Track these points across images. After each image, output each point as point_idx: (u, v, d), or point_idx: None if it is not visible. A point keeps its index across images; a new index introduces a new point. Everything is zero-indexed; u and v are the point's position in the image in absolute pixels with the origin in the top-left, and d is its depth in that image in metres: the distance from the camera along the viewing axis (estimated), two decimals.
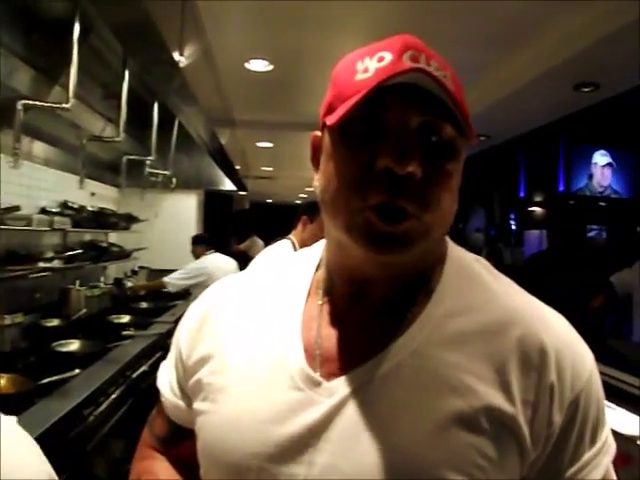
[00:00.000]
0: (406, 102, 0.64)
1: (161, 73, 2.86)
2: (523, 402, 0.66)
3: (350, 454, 0.65)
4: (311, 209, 2.96)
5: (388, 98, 0.64)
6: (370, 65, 0.66)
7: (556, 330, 0.72)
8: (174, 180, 5.20)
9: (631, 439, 1.87)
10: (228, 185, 7.32)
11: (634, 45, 3.17)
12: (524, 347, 0.68)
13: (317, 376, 0.70)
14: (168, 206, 6.53)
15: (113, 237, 5.37)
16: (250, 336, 0.78)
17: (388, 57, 0.65)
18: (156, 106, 3.92)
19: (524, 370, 0.67)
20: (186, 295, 5.27)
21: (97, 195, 4.99)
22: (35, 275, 3.10)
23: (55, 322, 3.63)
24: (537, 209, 10.93)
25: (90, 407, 2.29)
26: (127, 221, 5.27)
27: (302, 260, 0.86)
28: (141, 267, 5.89)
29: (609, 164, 10.43)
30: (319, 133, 0.76)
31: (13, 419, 0.74)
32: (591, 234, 10.36)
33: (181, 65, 2.70)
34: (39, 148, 3.74)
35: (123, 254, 5.05)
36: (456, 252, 0.79)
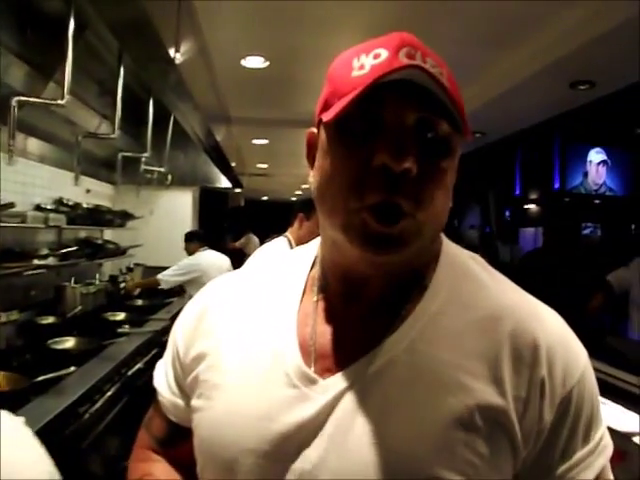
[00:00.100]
0: (402, 99, 0.64)
1: (157, 70, 2.85)
2: (515, 398, 0.66)
3: (341, 450, 0.65)
4: (307, 206, 2.96)
5: (384, 95, 0.64)
6: (366, 62, 0.66)
7: (549, 326, 0.72)
8: (169, 177, 5.21)
9: (628, 436, 1.88)
10: (224, 182, 7.31)
11: (630, 43, 3.17)
12: (516, 343, 0.69)
13: (312, 373, 0.70)
14: (163, 203, 6.52)
15: (108, 234, 5.36)
16: (246, 333, 0.78)
17: (384, 54, 0.65)
18: (151, 103, 3.92)
19: (516, 366, 0.68)
20: (181, 292, 5.27)
21: (92, 192, 4.97)
22: (30, 272, 3.09)
23: (50, 319, 3.63)
24: (532, 206, 10.95)
25: (85, 405, 2.29)
26: (122, 218, 5.25)
27: (298, 258, 0.86)
28: (136, 264, 5.88)
29: (604, 162, 10.45)
30: (315, 130, 0.76)
31: (19, 419, 0.73)
32: (586, 232, 10.39)
33: (177, 62, 2.69)
34: (34, 145, 3.73)
35: (118, 251, 5.04)
36: (451, 249, 0.80)
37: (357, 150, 0.66)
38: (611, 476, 0.72)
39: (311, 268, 0.83)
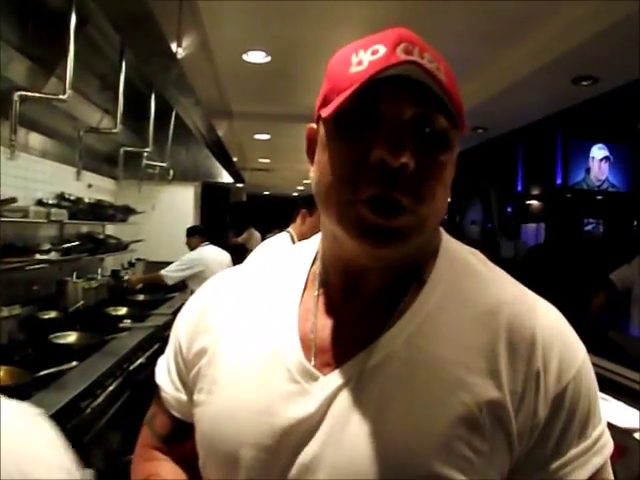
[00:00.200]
0: (400, 94, 0.65)
1: (158, 64, 2.85)
2: (511, 392, 0.66)
3: (338, 444, 0.66)
4: (310, 202, 2.95)
5: (382, 90, 0.64)
6: (364, 58, 0.66)
7: (547, 321, 0.71)
8: (171, 172, 5.20)
9: (628, 432, 1.88)
10: (225, 177, 7.31)
11: (632, 39, 3.16)
12: (513, 337, 0.69)
13: (313, 368, 0.71)
14: (165, 198, 6.52)
15: (110, 229, 5.36)
16: (247, 328, 0.78)
17: (382, 50, 0.65)
18: (153, 98, 3.92)
19: (513, 360, 0.68)
20: (183, 287, 5.27)
21: (94, 187, 4.98)
22: (32, 267, 3.09)
23: (52, 314, 3.63)
24: (534, 202, 10.94)
25: (87, 399, 2.29)
26: (124, 213, 5.26)
27: (299, 253, 0.87)
28: (138, 259, 5.89)
29: (606, 158, 10.44)
30: (314, 125, 0.76)
31: (35, 411, 0.74)
32: (588, 228, 10.39)
33: (179, 57, 2.69)
34: (36, 140, 3.73)
35: (120, 246, 5.05)
36: (450, 244, 0.80)
37: (355, 145, 0.66)
38: (610, 475, 0.71)
39: (312, 263, 0.83)
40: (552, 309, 0.75)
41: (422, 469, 0.63)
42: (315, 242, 0.85)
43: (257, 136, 7.48)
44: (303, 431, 0.68)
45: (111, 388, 2.57)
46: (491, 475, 0.65)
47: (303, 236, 2.81)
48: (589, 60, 3.76)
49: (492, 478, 0.66)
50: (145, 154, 4.37)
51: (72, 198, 4.10)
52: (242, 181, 9.26)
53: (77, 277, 4.04)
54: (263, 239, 3.37)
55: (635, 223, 9.87)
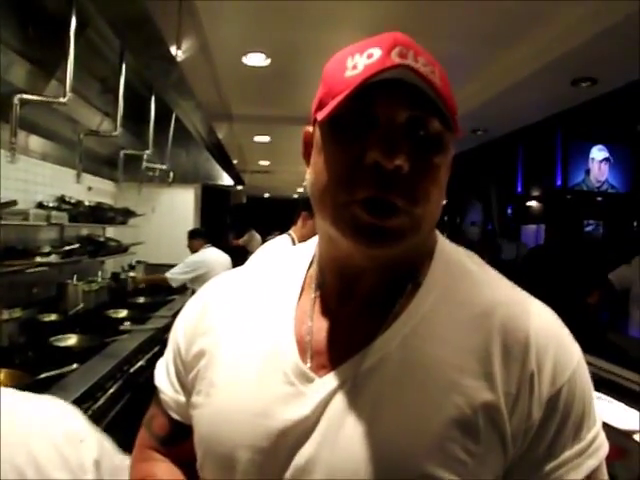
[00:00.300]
0: (394, 97, 0.65)
1: (158, 67, 2.85)
2: (505, 394, 0.66)
3: (333, 446, 0.66)
4: (311, 205, 2.95)
5: (377, 93, 0.65)
6: (359, 62, 0.67)
7: (541, 323, 0.71)
8: (171, 174, 5.21)
9: (628, 434, 1.88)
10: (225, 179, 7.31)
11: (632, 39, 3.16)
12: (507, 339, 0.69)
13: (309, 371, 0.71)
14: (165, 200, 6.52)
15: (110, 232, 5.37)
16: (244, 331, 0.79)
17: (377, 54, 0.66)
18: (153, 100, 3.92)
19: (507, 362, 0.68)
20: (183, 289, 5.28)
21: (94, 189, 4.99)
22: (32, 270, 3.09)
23: (53, 317, 3.64)
24: (534, 204, 10.93)
25: (88, 402, 2.29)
26: (124, 215, 5.26)
27: (296, 256, 0.87)
28: (138, 261, 5.89)
29: (606, 159, 10.43)
30: (311, 129, 0.77)
31: (63, 403, 0.79)
32: (588, 229, 10.38)
33: (178, 59, 2.70)
34: (36, 142, 3.73)
35: (120, 249, 5.05)
36: (446, 246, 0.80)
37: (350, 147, 0.67)
38: (605, 476, 0.71)
39: (310, 266, 0.84)
40: (547, 311, 0.75)
41: (416, 470, 0.63)
42: (313, 245, 0.86)
43: (257, 138, 7.48)
44: (299, 433, 0.68)
45: (111, 390, 2.57)
46: (485, 477, 0.65)
47: (304, 239, 2.80)
48: (588, 61, 3.77)
49: (486, 479, 0.66)
50: (145, 157, 4.37)
51: (72, 201, 4.10)
52: (242, 183, 9.26)
53: (77, 280, 4.04)
54: (264, 241, 3.37)
55: (635, 224, 9.86)
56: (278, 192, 16.74)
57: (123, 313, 4.15)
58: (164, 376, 0.90)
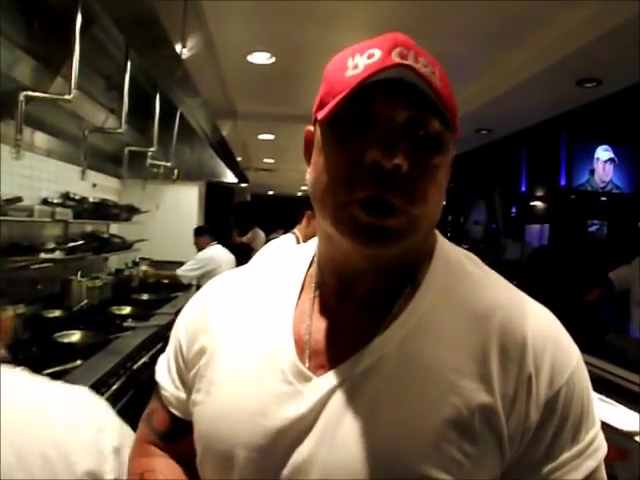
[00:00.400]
0: (394, 97, 0.66)
1: (163, 65, 2.86)
2: (502, 396, 0.66)
3: (331, 446, 0.67)
4: None
5: (376, 93, 0.65)
6: (360, 62, 0.67)
7: (539, 325, 0.71)
8: (175, 171, 5.21)
9: (629, 435, 1.88)
10: (229, 177, 7.32)
11: (636, 41, 3.16)
12: (505, 340, 0.69)
13: (307, 370, 0.72)
14: (169, 197, 6.54)
15: (114, 228, 5.38)
16: (244, 329, 0.79)
17: (377, 54, 0.66)
18: (158, 98, 3.93)
19: (504, 364, 0.68)
20: (187, 286, 5.30)
21: (99, 186, 4.99)
22: (37, 266, 3.11)
23: (57, 313, 3.65)
24: (538, 204, 10.90)
25: None
26: (128, 212, 5.28)
27: (297, 255, 0.88)
28: (142, 258, 5.91)
29: (611, 159, 10.39)
30: (312, 128, 0.77)
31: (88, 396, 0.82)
32: (592, 229, 10.34)
33: (183, 57, 2.70)
34: (41, 139, 3.74)
35: (124, 245, 5.07)
36: (445, 247, 0.80)
37: (349, 147, 0.67)
38: (604, 477, 0.71)
39: (310, 265, 0.84)
40: (545, 312, 0.75)
41: (412, 471, 0.64)
42: (313, 245, 0.86)
43: (261, 136, 7.48)
44: (296, 432, 0.69)
45: (115, 387, 2.58)
46: (481, 478, 0.65)
47: (308, 238, 2.80)
48: (593, 62, 3.76)
49: None
50: (150, 153, 4.38)
51: (77, 197, 4.12)
52: (246, 181, 9.27)
53: (81, 276, 4.06)
54: (267, 239, 3.38)
55: (639, 224, 9.83)
56: (282, 190, 16.73)
57: (127, 310, 4.17)
58: (165, 372, 0.91)
